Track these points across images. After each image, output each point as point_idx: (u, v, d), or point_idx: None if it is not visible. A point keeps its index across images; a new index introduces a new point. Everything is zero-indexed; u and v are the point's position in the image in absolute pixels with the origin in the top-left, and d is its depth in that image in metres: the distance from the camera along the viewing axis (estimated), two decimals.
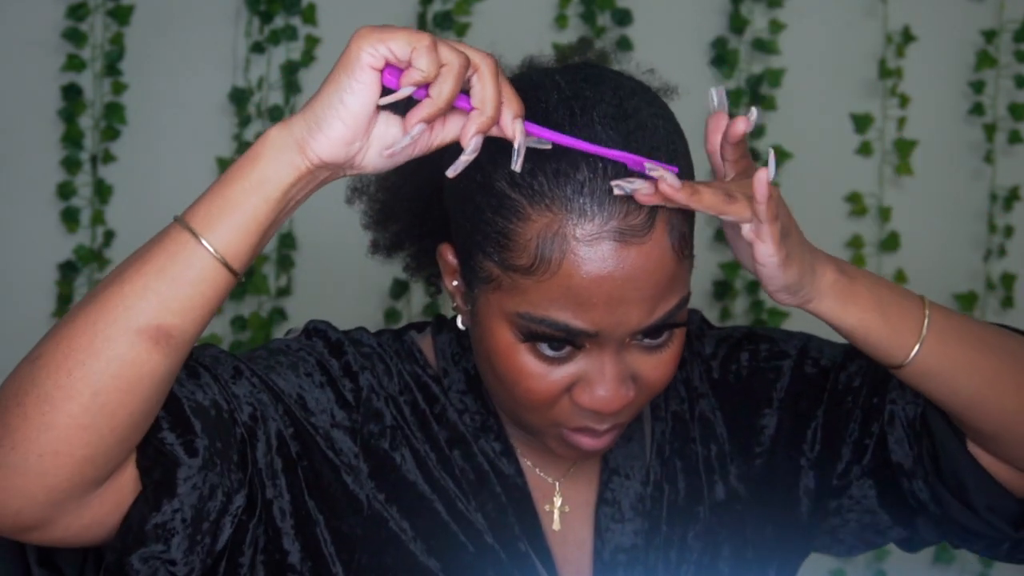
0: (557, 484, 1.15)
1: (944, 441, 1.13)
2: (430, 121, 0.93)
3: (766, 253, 1.00)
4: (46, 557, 1.01)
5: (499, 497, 1.12)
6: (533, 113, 0.99)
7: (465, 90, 0.94)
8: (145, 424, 0.95)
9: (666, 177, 0.96)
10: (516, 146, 0.95)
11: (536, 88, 1.03)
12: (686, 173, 1.03)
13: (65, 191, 2.40)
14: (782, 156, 2.58)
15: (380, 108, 0.93)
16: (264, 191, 0.93)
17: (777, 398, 1.20)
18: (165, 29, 2.43)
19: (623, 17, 2.53)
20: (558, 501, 1.15)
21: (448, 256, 1.08)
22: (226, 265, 0.93)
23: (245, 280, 2.45)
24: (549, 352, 1.02)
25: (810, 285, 1.04)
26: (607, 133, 1.00)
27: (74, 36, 2.39)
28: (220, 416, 1.01)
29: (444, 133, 0.96)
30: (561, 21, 2.52)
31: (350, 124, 0.92)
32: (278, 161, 0.93)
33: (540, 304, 1.00)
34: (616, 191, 0.97)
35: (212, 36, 2.45)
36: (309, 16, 2.46)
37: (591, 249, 0.98)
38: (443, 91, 0.92)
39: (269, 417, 1.06)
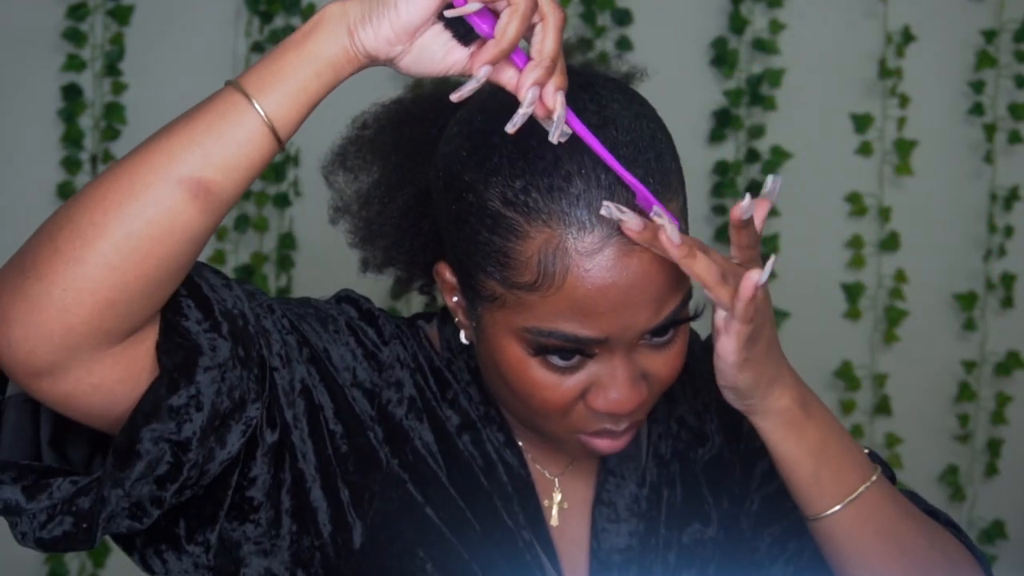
0: (556, 480, 1.15)
1: None
2: (495, 63, 0.93)
3: (726, 349, 1.00)
4: (57, 441, 1.01)
5: (505, 486, 1.12)
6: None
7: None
8: (170, 283, 0.95)
9: (667, 228, 0.95)
10: (555, 118, 0.94)
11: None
12: (673, 173, 1.03)
13: (65, 191, 2.40)
14: (782, 156, 2.58)
15: (439, 19, 0.94)
16: (316, 65, 0.94)
17: (740, 451, 1.20)
18: (165, 29, 2.43)
19: (623, 17, 2.53)
20: (557, 497, 1.15)
21: (446, 275, 1.08)
22: (273, 131, 0.93)
23: (247, 278, 2.46)
24: (560, 362, 1.02)
25: (760, 400, 1.04)
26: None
27: (74, 36, 2.39)
28: (246, 328, 1.01)
29: (496, 77, 0.95)
30: None
31: (398, 30, 0.93)
32: (330, 39, 0.94)
33: (547, 318, 1.00)
34: (603, 211, 0.96)
35: (212, 36, 2.45)
36: (309, 16, 2.46)
37: (593, 260, 0.98)
38: (508, 31, 0.92)
39: (294, 360, 1.06)
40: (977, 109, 2.67)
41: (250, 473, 1.02)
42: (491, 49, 0.92)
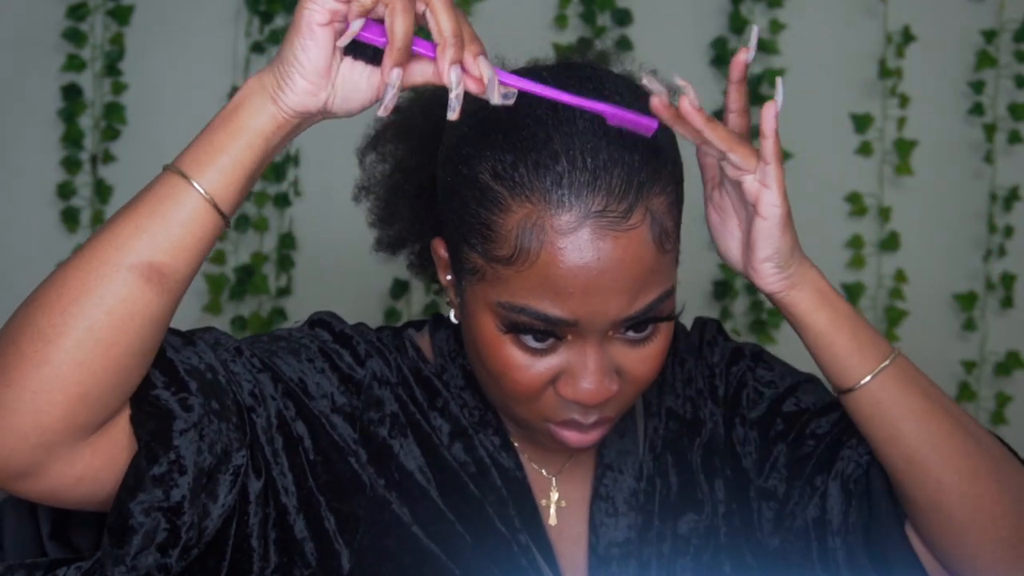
0: (553, 479, 1.16)
1: (881, 513, 1.12)
2: (402, 64, 0.95)
3: (771, 202, 1.03)
4: (59, 533, 1.01)
5: (500, 490, 1.12)
6: (518, 107, 0.99)
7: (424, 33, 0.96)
8: (139, 368, 0.96)
9: (688, 91, 0.97)
10: (487, 81, 0.96)
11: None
12: (666, 169, 1.04)
13: (65, 191, 2.40)
14: (782, 156, 2.58)
15: (343, 53, 0.96)
16: (247, 138, 0.96)
17: (750, 419, 1.21)
18: (165, 29, 2.43)
19: (623, 17, 2.53)
20: (554, 496, 1.16)
21: (440, 250, 1.10)
22: (215, 207, 0.95)
23: (247, 278, 2.46)
24: (533, 344, 1.03)
25: (798, 267, 1.05)
26: (589, 131, 1.00)
27: (74, 36, 2.39)
28: (216, 380, 1.02)
29: (411, 77, 0.97)
30: (561, 21, 2.52)
31: (311, 78, 0.95)
32: (257, 111, 0.96)
33: (519, 294, 1.01)
34: (644, 81, 0.98)
35: (212, 36, 2.45)
36: None
37: (568, 240, 0.99)
38: (397, 30, 0.94)
39: (268, 396, 1.07)
40: (977, 109, 2.67)
41: (249, 521, 1.03)
42: (391, 52, 0.94)
